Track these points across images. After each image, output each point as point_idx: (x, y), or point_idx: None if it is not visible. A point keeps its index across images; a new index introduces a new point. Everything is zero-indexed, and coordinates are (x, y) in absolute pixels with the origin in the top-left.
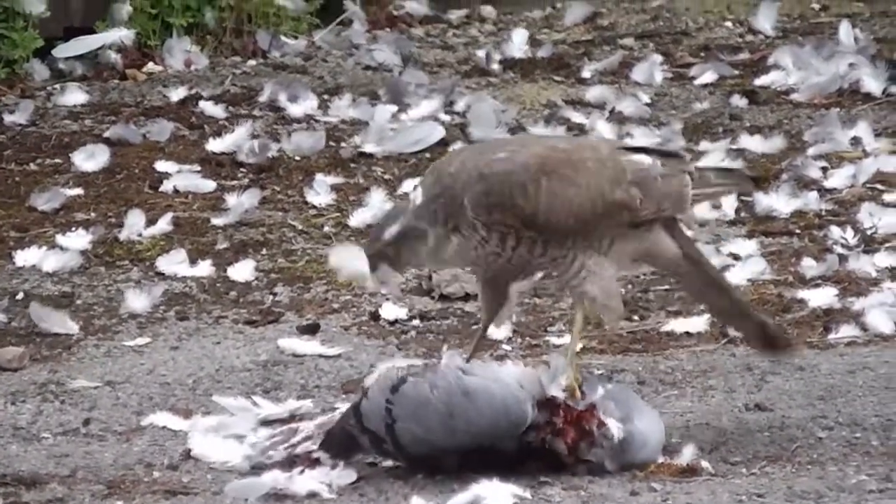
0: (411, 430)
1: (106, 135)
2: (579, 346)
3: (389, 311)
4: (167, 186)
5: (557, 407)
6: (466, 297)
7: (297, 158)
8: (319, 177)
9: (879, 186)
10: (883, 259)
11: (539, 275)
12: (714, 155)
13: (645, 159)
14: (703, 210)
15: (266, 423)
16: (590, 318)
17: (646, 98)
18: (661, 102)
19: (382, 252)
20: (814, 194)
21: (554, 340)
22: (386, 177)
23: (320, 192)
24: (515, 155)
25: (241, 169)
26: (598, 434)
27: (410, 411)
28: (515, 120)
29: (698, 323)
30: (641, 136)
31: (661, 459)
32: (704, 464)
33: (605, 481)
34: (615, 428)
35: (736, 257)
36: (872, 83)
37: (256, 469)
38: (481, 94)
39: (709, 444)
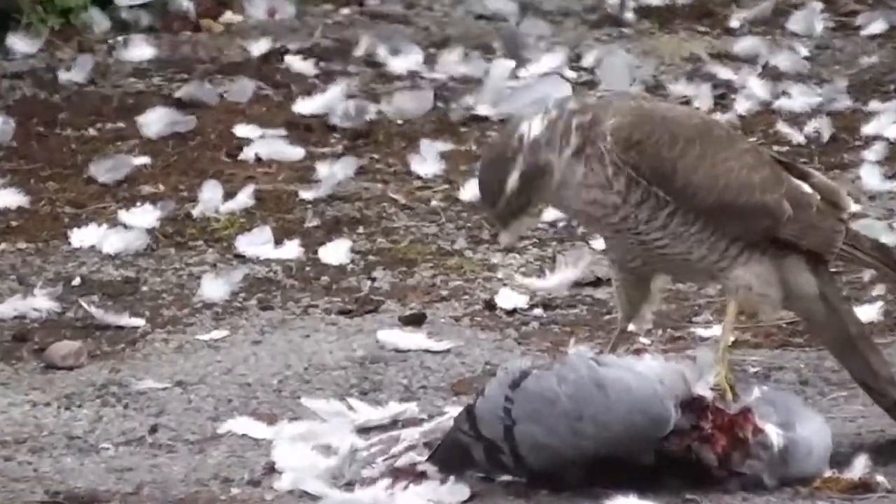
0: (533, 435)
1: (177, 95)
2: (731, 338)
3: (507, 298)
4: (248, 154)
5: (706, 409)
6: (597, 282)
7: (399, 122)
8: (425, 143)
9: None
10: None
11: (678, 266)
12: (885, 116)
13: (806, 187)
14: (875, 181)
15: (363, 430)
16: (744, 308)
17: (804, 51)
18: (823, 56)
19: (508, 206)
20: None
21: (700, 332)
22: None
23: (426, 161)
24: (676, 111)
25: (334, 134)
26: (753, 442)
27: (533, 410)
28: (653, 77)
29: (871, 312)
30: (799, 95)
31: (828, 472)
32: (879, 478)
33: (762, 499)
34: (774, 435)
35: None
36: None
37: (352, 484)
38: (612, 46)
39: (884, 455)
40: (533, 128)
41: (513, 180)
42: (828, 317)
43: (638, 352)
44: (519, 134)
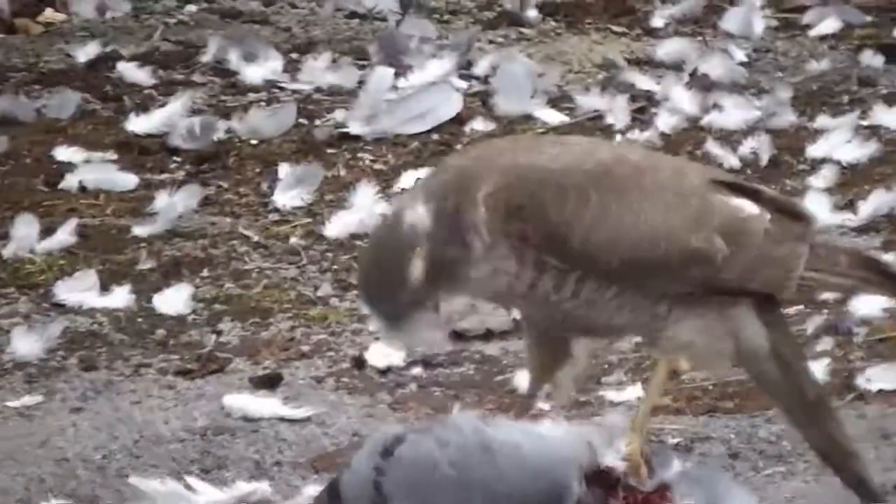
0: None
1: None
2: (657, 399)
3: (379, 355)
4: (70, 182)
5: (615, 485)
6: (488, 336)
7: (254, 143)
8: (285, 168)
9: None
10: None
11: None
12: (836, 134)
13: (747, 206)
14: (824, 213)
15: None
16: (693, 367)
17: (741, 55)
18: (763, 61)
19: (415, 299)
20: None
21: (611, 396)
22: (377, 167)
23: (285, 190)
24: (565, 153)
25: (175, 158)
26: None
27: (409, 481)
28: (558, 87)
29: (815, 371)
30: (734, 109)
31: None
32: None
33: None
34: None
35: None
36: None
37: None
38: (511, 51)
39: None
40: (420, 214)
41: (415, 269)
42: (782, 378)
43: (536, 416)
44: (409, 221)
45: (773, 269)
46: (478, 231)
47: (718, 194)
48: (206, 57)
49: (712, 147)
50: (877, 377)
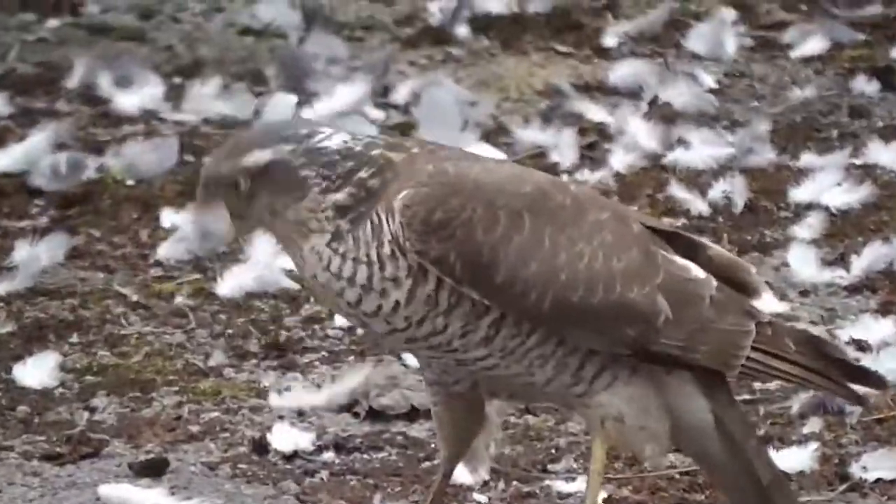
0: None
1: None
2: (601, 496)
3: (284, 436)
4: None
5: None
6: (412, 415)
7: (130, 183)
8: (167, 213)
9: None
10: None
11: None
12: (824, 175)
13: (693, 268)
14: (810, 269)
15: None
16: (618, 448)
17: (710, 81)
18: (736, 88)
19: (230, 177)
20: None
21: (559, 486)
22: None
23: (169, 240)
24: (499, 169)
25: (37, 201)
26: None
27: None
28: (493, 117)
29: (801, 457)
30: (702, 145)
31: None
32: None
33: None
34: None
35: (863, 346)
36: None
37: None
38: (436, 74)
39: None
40: (330, 137)
41: (258, 156)
42: (728, 458)
43: None
44: (307, 126)
45: (718, 343)
46: (381, 241)
47: (660, 249)
48: (73, 81)
49: (677, 190)
50: (874, 464)
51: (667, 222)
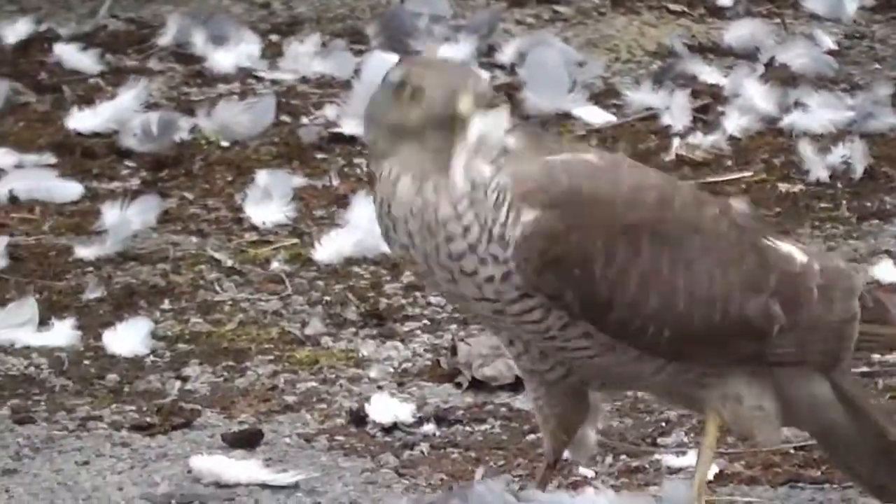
0: None
1: None
2: (712, 471)
3: (383, 408)
4: None
5: None
6: (516, 386)
7: (225, 145)
8: (263, 176)
9: None
10: None
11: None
12: None
13: (799, 256)
14: None
15: None
16: (733, 428)
17: (829, 42)
18: (856, 50)
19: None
20: None
21: (669, 460)
22: None
23: (265, 203)
24: (617, 176)
25: (127, 162)
26: None
27: None
28: (603, 79)
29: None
30: (821, 108)
31: None
32: None
33: None
34: None
35: None
36: None
37: None
38: (543, 34)
39: None
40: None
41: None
42: (855, 426)
43: (577, 485)
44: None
45: (828, 339)
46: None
47: (764, 237)
48: (165, 39)
49: (795, 154)
50: None
51: (784, 188)
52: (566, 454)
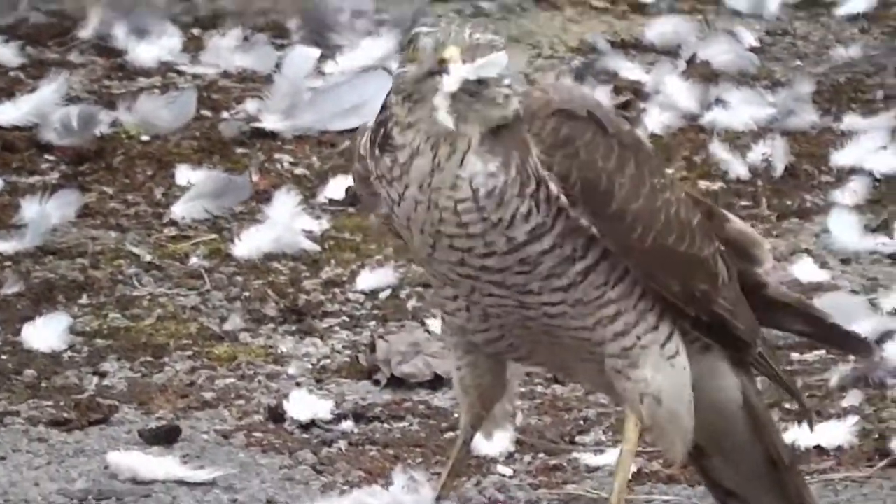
0: None
1: None
2: (631, 469)
3: (301, 404)
4: None
5: None
6: (435, 383)
7: (145, 139)
8: (183, 170)
9: None
10: None
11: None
12: (867, 138)
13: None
14: (851, 236)
15: None
16: (647, 429)
17: (751, 39)
18: (778, 47)
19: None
20: None
21: (587, 459)
22: (298, 171)
23: (184, 198)
24: (608, 108)
25: (48, 156)
26: None
27: None
28: (525, 75)
29: (841, 431)
30: (742, 105)
31: None
32: None
33: None
34: None
35: None
36: None
37: None
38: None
39: None
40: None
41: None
42: (752, 438)
43: (498, 488)
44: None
45: (747, 315)
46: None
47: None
48: (86, 32)
49: (715, 151)
50: None
51: (704, 185)
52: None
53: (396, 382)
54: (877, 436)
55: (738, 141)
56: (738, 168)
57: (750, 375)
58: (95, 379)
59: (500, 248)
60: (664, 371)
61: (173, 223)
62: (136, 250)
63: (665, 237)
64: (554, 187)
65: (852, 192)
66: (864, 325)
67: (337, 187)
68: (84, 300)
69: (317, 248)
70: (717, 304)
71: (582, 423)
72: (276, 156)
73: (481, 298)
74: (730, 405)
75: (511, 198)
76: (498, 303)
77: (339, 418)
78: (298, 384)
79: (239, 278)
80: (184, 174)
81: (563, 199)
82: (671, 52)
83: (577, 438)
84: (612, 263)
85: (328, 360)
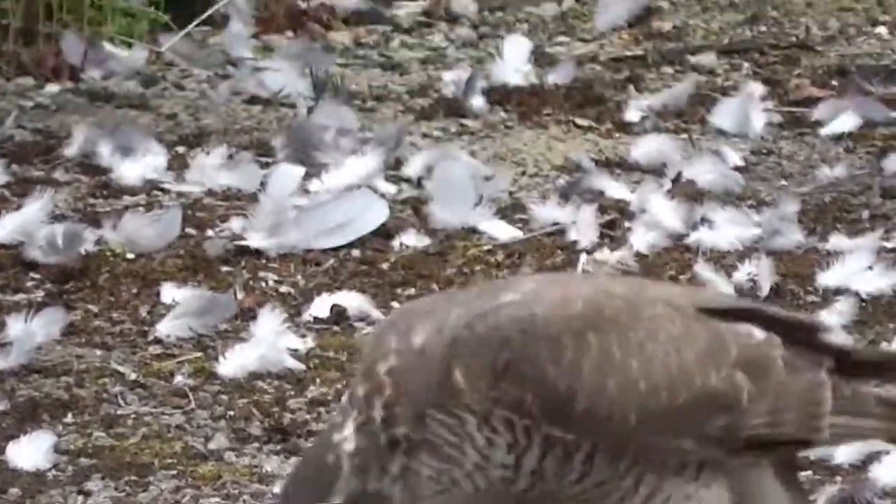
0: None
1: None
2: None
3: None
4: None
5: None
6: None
7: (130, 257)
8: (168, 288)
9: None
10: None
11: None
12: (854, 258)
13: (756, 331)
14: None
15: None
16: None
17: (736, 158)
18: (763, 166)
19: None
20: None
21: None
22: (283, 290)
23: (170, 316)
24: (542, 296)
25: (33, 274)
26: None
27: None
28: (509, 193)
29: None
30: (727, 225)
31: None
32: None
33: None
34: None
35: None
36: None
37: None
38: (450, 147)
39: None
40: (347, 438)
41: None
42: None
43: None
44: (335, 447)
45: (799, 406)
46: (452, 414)
47: (719, 322)
48: (71, 150)
49: (701, 271)
50: None
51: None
52: None
53: None
54: None
55: (723, 261)
56: (724, 288)
57: (797, 482)
58: (80, 498)
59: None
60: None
61: (158, 341)
62: (120, 368)
63: (651, 402)
64: (511, 416)
65: (839, 313)
66: (850, 451)
67: (322, 306)
68: (69, 419)
69: (302, 366)
70: (746, 429)
71: None
72: (261, 274)
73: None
74: None
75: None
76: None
77: None
78: None
79: (224, 397)
80: (169, 292)
81: (525, 421)
82: (656, 170)
83: None
84: (607, 448)
85: None
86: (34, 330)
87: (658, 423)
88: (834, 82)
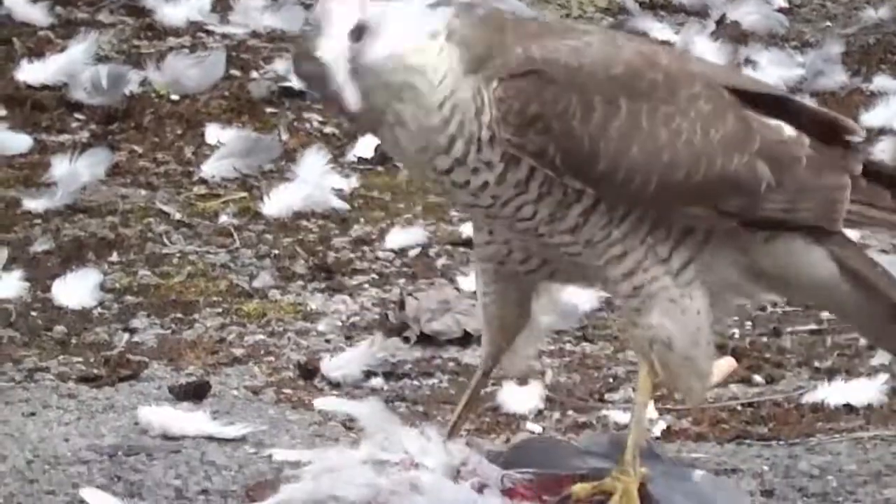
0: None
1: None
2: (659, 427)
3: (332, 361)
4: None
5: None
6: (465, 340)
7: (174, 98)
8: (213, 129)
9: None
10: None
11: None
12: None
13: (788, 130)
14: None
15: None
16: (661, 379)
17: (780, 0)
18: (807, 8)
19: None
20: None
21: (616, 416)
22: (327, 130)
23: (214, 156)
24: (586, 49)
25: (77, 115)
26: None
27: None
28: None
29: (869, 390)
30: (772, 66)
31: None
32: None
33: None
34: None
35: None
36: None
37: None
38: None
39: None
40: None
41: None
42: (862, 296)
43: (511, 493)
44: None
45: (818, 201)
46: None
47: (751, 112)
48: None
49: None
50: None
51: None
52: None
53: (426, 339)
54: None
55: None
56: None
57: (843, 241)
58: (126, 335)
59: (483, 203)
60: (673, 315)
61: (203, 182)
62: (165, 208)
63: (673, 173)
64: (532, 162)
65: (882, 152)
66: None
67: (366, 146)
68: (114, 258)
69: (346, 206)
70: (762, 209)
71: (611, 380)
72: (305, 115)
73: (500, 233)
74: (826, 277)
75: (475, 162)
76: (519, 238)
77: (368, 375)
78: (328, 341)
79: (268, 236)
80: (213, 133)
81: (549, 172)
82: (700, 12)
83: (607, 396)
84: (612, 203)
85: (357, 318)
86: (79, 170)
87: (676, 193)
88: None
